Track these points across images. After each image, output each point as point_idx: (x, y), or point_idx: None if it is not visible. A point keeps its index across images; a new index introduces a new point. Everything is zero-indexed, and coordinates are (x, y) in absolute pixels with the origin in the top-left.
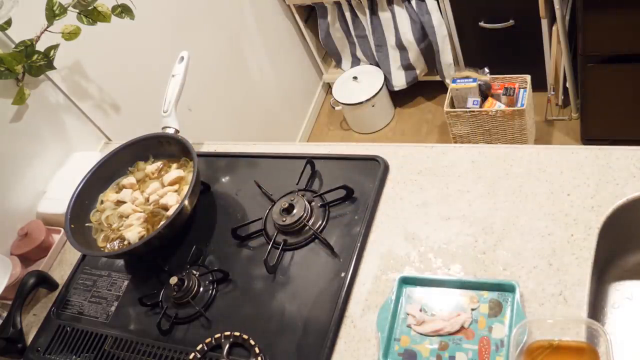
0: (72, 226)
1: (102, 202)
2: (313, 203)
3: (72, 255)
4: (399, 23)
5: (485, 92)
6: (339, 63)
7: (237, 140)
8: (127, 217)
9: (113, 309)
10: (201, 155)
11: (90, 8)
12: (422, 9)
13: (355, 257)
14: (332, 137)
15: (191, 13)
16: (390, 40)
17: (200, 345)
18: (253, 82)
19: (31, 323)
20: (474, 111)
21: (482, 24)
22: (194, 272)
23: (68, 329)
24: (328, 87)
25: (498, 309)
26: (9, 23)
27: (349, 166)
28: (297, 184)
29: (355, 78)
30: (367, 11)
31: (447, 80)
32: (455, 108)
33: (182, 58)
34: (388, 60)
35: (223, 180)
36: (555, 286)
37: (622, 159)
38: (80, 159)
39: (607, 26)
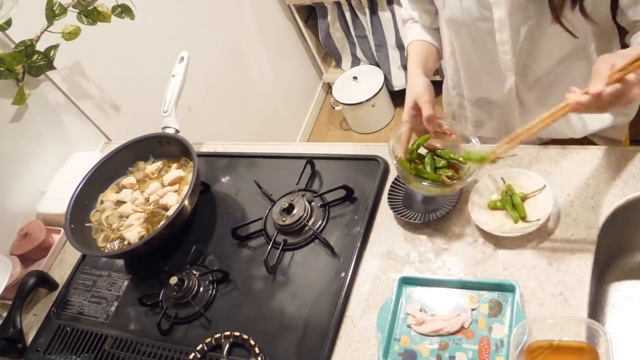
0: (72, 226)
1: (102, 202)
2: (313, 203)
3: (72, 255)
4: (399, 23)
5: None
6: (339, 63)
7: (237, 140)
8: (127, 217)
9: (113, 309)
10: (201, 155)
11: (90, 8)
12: None
13: (355, 257)
14: (332, 137)
15: (191, 13)
16: (390, 40)
17: (200, 345)
18: (253, 82)
19: (31, 323)
20: None
21: None
22: (194, 272)
23: (68, 329)
24: (328, 87)
25: (498, 309)
26: (9, 23)
27: (349, 166)
28: (297, 184)
29: (355, 78)
30: (367, 11)
31: None
32: None
33: (182, 58)
34: (388, 60)
35: (223, 180)
36: (555, 286)
37: (622, 159)
38: (80, 159)
39: None
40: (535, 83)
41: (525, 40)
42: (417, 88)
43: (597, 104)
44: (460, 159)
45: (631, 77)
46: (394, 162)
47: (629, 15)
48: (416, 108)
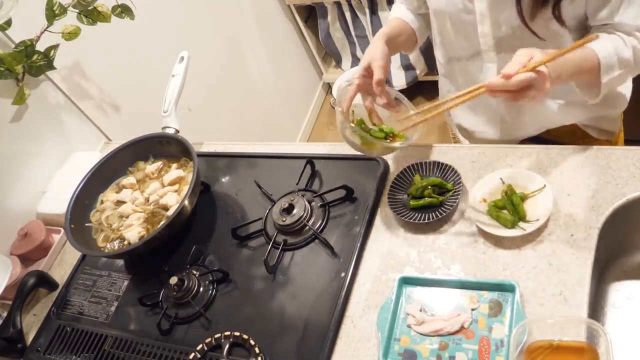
0: (72, 226)
1: (102, 202)
2: (313, 203)
3: (72, 255)
4: None
5: None
6: (339, 63)
7: (237, 140)
8: (127, 217)
9: (113, 309)
10: (201, 155)
11: (90, 8)
12: None
13: (355, 257)
14: (332, 137)
15: (191, 13)
16: None
17: (200, 345)
18: (253, 82)
19: (31, 323)
20: None
21: None
22: (194, 272)
23: (68, 329)
24: (328, 87)
25: (498, 309)
26: (9, 23)
27: (349, 166)
28: (297, 184)
29: None
30: (367, 11)
31: None
32: None
33: (182, 58)
34: None
35: (223, 180)
36: (555, 286)
37: (622, 159)
38: (80, 159)
39: None
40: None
41: (505, 33)
42: (374, 52)
43: (508, 89)
44: (398, 132)
45: (543, 68)
46: (334, 105)
47: (590, 21)
48: (369, 70)
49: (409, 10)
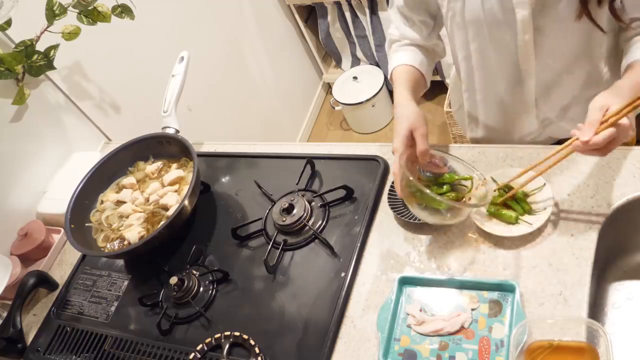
0: (72, 226)
1: (102, 202)
2: (313, 203)
3: (72, 255)
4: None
5: None
6: (339, 63)
7: (237, 140)
8: (127, 217)
9: (113, 309)
10: (201, 155)
11: (90, 8)
12: None
13: (355, 257)
14: (332, 137)
15: (191, 13)
16: None
17: (200, 345)
18: (253, 82)
19: (31, 323)
20: None
21: None
22: (194, 272)
23: (68, 329)
24: (328, 87)
25: (498, 309)
26: (9, 23)
27: (349, 166)
28: (297, 184)
29: (355, 78)
30: (367, 11)
31: (447, 80)
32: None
33: (182, 58)
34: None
35: (223, 180)
36: (555, 286)
37: (622, 159)
38: (80, 159)
39: None
40: (547, 82)
41: (547, 40)
42: (413, 118)
43: (594, 149)
44: (466, 175)
45: (624, 121)
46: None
47: (628, 11)
48: (411, 138)
49: (414, 50)
